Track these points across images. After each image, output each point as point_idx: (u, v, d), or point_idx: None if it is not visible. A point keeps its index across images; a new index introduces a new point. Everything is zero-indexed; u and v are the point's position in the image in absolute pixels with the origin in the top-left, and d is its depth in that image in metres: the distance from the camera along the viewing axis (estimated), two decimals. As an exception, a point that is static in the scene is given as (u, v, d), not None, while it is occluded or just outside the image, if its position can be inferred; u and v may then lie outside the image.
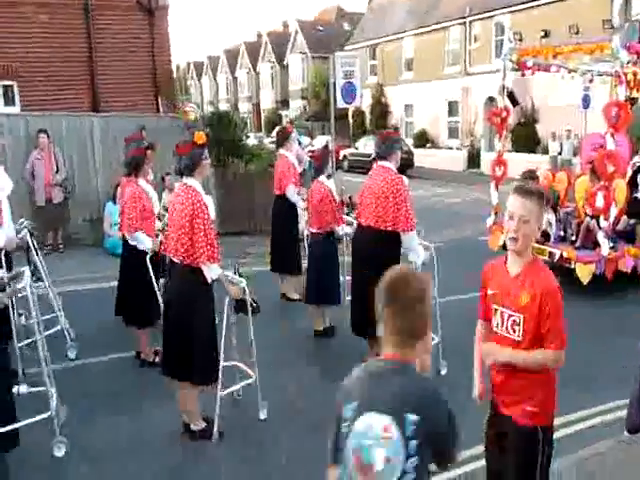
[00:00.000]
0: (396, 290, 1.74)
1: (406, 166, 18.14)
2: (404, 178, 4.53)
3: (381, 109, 27.64)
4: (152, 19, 13.18)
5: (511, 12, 20.59)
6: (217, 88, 54.58)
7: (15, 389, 3.55)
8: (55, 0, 12.32)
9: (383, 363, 1.78)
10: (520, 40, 17.05)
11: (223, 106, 43.58)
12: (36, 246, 4.85)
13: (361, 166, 20.56)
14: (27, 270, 3.65)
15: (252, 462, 3.68)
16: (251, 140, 13.84)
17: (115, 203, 8.11)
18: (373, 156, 4.84)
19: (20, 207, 7.87)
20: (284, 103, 42.18)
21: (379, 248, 4.40)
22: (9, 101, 12.23)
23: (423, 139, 25.27)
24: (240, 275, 3.94)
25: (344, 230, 5.55)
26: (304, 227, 6.66)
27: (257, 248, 7.50)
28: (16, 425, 3.39)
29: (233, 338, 4.10)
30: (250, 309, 3.95)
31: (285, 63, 41.68)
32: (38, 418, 3.50)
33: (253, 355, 3.99)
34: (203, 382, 3.81)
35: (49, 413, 3.51)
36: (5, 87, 12.26)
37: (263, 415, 4.07)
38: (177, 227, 3.66)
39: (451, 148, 23.84)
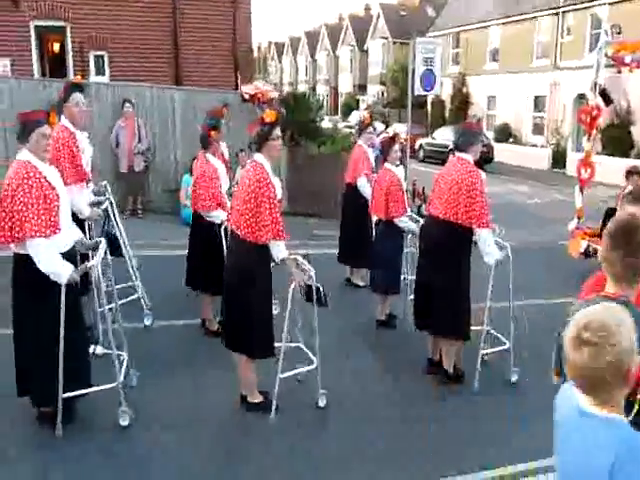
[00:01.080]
0: (629, 234, 2.00)
1: (485, 160, 17.53)
2: (481, 172, 4.35)
3: (462, 99, 26.81)
4: (235, -2, 13.35)
5: (610, 3, 19.30)
6: (297, 69, 54.85)
7: (92, 348, 3.73)
8: (147, -24, 12.71)
9: (608, 299, 1.92)
10: (619, 34, 15.95)
11: (302, 87, 43.77)
12: (117, 216, 5.01)
13: (437, 157, 20.07)
14: (103, 243, 3.74)
15: (304, 445, 3.70)
16: (326, 123, 13.82)
17: (191, 175, 8.36)
18: (451, 147, 4.68)
19: (104, 173, 8.25)
20: (362, 88, 41.82)
21: (448, 240, 4.27)
22: (100, 70, 12.82)
23: (505, 133, 24.30)
24: (309, 262, 3.89)
25: (406, 224, 5.36)
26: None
27: (325, 231, 7.51)
28: (89, 390, 3.59)
29: (299, 319, 4.10)
30: (318, 298, 3.89)
31: (365, 47, 41.21)
32: (108, 387, 3.62)
33: (316, 342, 3.97)
34: (257, 356, 3.86)
35: (116, 383, 3.61)
36: (97, 57, 12.84)
37: (322, 403, 4.06)
38: (242, 202, 3.69)
39: (535, 145, 22.74)
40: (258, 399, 3.95)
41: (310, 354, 4.10)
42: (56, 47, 13.52)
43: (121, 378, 3.68)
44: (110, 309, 3.84)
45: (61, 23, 12.64)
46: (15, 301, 3.43)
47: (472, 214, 4.17)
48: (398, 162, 5.64)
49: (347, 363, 4.79)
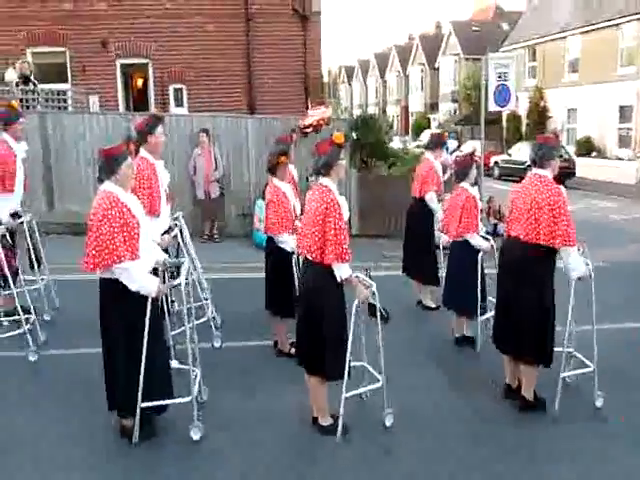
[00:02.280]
0: None
1: (566, 176, 16.78)
2: (562, 188, 4.15)
3: (539, 113, 25.91)
4: (306, 25, 13.73)
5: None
6: (366, 91, 55.31)
7: (173, 362, 3.90)
8: (221, 11, 13.37)
9: None
10: None
11: (372, 109, 44.00)
12: (189, 241, 5.20)
13: (513, 174, 19.44)
14: (186, 264, 3.91)
15: (372, 464, 3.65)
16: (396, 143, 13.79)
17: (264, 200, 8.58)
18: (527, 163, 4.51)
19: (182, 199, 8.65)
20: (433, 106, 41.46)
21: (531, 262, 4.10)
22: (179, 102, 13.53)
23: (587, 147, 23.17)
24: (371, 278, 3.90)
25: (477, 241, 5.23)
26: (441, 235, 6.44)
27: (396, 251, 7.45)
28: (166, 402, 3.75)
29: (362, 338, 4.07)
30: (379, 315, 3.90)
31: (436, 65, 40.92)
32: (183, 400, 3.77)
33: (381, 360, 3.93)
34: (330, 378, 3.86)
35: (191, 398, 3.75)
36: (176, 90, 13.58)
37: (388, 422, 4.00)
38: (310, 225, 3.74)
39: (621, 159, 21.51)
40: (329, 422, 3.95)
41: (375, 373, 4.05)
42: (139, 82, 14.43)
43: (195, 392, 3.80)
44: (190, 328, 3.98)
45: (144, 60, 13.51)
46: (103, 321, 3.65)
47: (556, 234, 3.97)
48: (473, 181, 5.52)
49: (415, 382, 4.70)
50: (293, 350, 4.71)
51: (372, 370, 4.12)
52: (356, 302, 3.79)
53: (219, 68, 13.32)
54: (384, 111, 44.95)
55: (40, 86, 10.72)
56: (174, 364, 4.00)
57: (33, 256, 5.52)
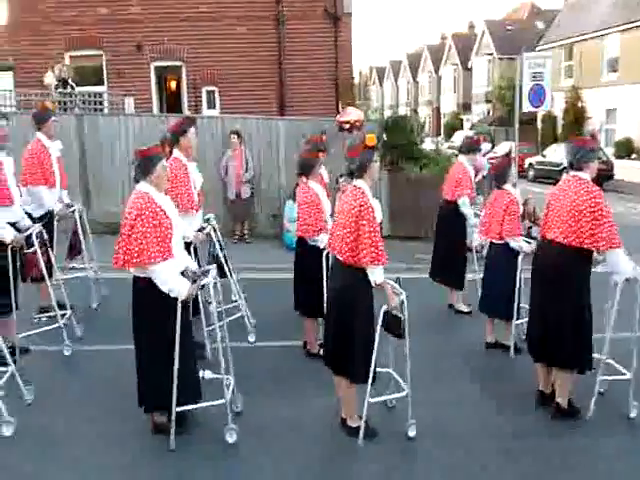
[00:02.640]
0: None
1: (604, 178, 16.35)
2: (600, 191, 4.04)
3: (576, 114, 25.28)
4: (337, 26, 13.74)
5: None
6: (398, 92, 54.99)
7: (200, 373, 3.92)
8: (252, 13, 13.48)
9: None
10: None
11: (403, 110, 43.71)
12: (221, 241, 5.24)
13: (548, 176, 19.05)
14: (214, 268, 3.96)
15: (395, 472, 3.61)
16: (427, 144, 13.64)
17: (294, 201, 8.60)
18: (564, 166, 4.40)
19: (214, 200, 8.73)
20: (466, 107, 40.93)
21: (568, 266, 3.99)
22: (211, 104, 13.70)
23: (627, 148, 22.49)
24: (401, 286, 3.83)
25: (519, 244, 5.12)
26: (473, 239, 6.34)
27: (428, 254, 7.38)
28: (200, 405, 3.80)
29: (390, 345, 4.02)
30: (400, 329, 3.78)
31: (469, 65, 40.40)
32: (217, 403, 3.81)
33: (407, 369, 3.86)
34: (358, 380, 3.83)
35: (224, 401, 3.79)
36: (208, 92, 13.75)
37: (411, 433, 3.92)
38: (343, 226, 3.73)
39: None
40: (357, 423, 3.91)
41: (400, 381, 4.00)
42: (173, 85, 14.66)
43: (229, 397, 3.83)
44: (220, 327, 4.01)
45: (177, 63, 13.73)
46: (135, 319, 3.71)
47: (599, 237, 3.87)
48: (514, 182, 5.42)
49: (444, 390, 4.61)
50: (322, 351, 4.72)
51: (397, 378, 4.06)
52: (384, 307, 3.75)
53: (250, 70, 13.43)
54: (415, 112, 44.57)
55: (77, 89, 11.00)
56: (207, 374, 3.99)
57: (82, 243, 5.76)
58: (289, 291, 5.22)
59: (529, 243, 5.15)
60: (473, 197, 6.29)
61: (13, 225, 4.68)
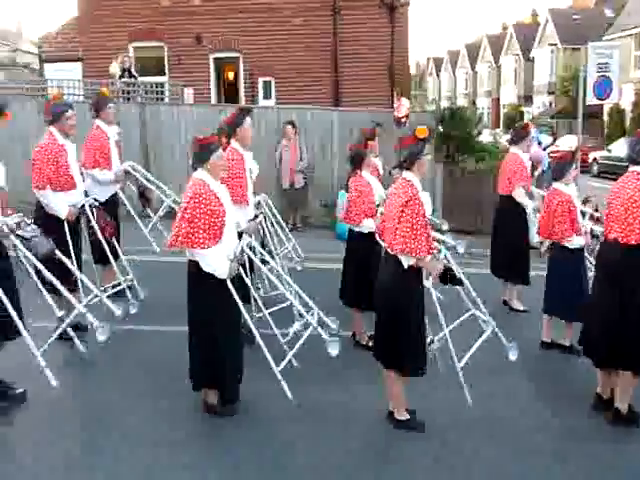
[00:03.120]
0: None
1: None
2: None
3: (646, 107, 24.06)
4: (393, 16, 13.57)
5: None
6: (455, 83, 53.82)
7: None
8: (308, 4, 13.50)
9: None
10: None
11: (460, 101, 42.77)
12: (270, 229, 5.30)
13: (614, 171, 18.19)
14: (244, 239, 4.10)
15: (446, 470, 3.58)
16: (485, 137, 13.32)
17: (347, 191, 8.61)
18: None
19: (268, 189, 8.83)
20: (527, 99, 39.62)
21: (628, 266, 3.83)
22: (267, 95, 13.85)
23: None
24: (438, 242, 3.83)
25: (576, 242, 4.92)
26: (532, 235, 6.15)
27: (481, 249, 7.21)
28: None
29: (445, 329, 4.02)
30: (454, 279, 3.83)
31: (531, 56, 39.03)
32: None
33: (438, 311, 3.90)
34: (407, 373, 3.82)
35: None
36: (264, 83, 13.91)
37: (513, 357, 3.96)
38: (390, 218, 3.72)
39: None
40: (405, 417, 3.92)
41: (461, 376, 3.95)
42: (230, 75, 14.91)
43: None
44: (270, 314, 4.10)
45: (235, 54, 13.95)
46: (189, 300, 3.86)
47: None
48: (570, 181, 5.14)
49: (496, 386, 4.53)
50: (371, 343, 4.73)
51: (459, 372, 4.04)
52: (430, 280, 3.69)
53: (306, 61, 13.48)
54: (473, 103, 43.52)
55: (140, 79, 11.37)
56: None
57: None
58: (339, 280, 5.24)
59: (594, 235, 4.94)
60: (529, 188, 6.08)
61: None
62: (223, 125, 4.98)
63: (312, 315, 4.68)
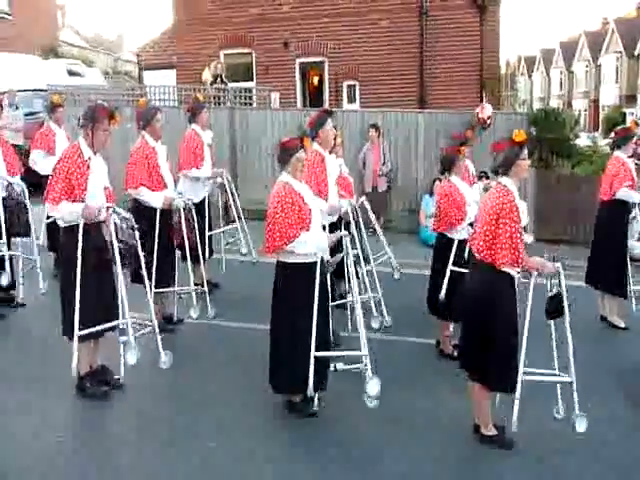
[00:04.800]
0: None
1: None
2: None
3: None
4: (483, 15, 13.13)
5: None
6: (549, 83, 51.33)
7: (332, 366, 4.00)
8: (395, 6, 13.34)
9: None
10: None
11: (554, 103, 40.73)
12: (362, 230, 5.31)
13: None
14: (347, 239, 4.10)
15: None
16: (582, 140, 12.54)
17: (431, 196, 8.39)
18: None
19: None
20: (630, 99, 37.01)
21: None
22: (351, 98, 13.85)
23: None
24: (554, 260, 3.56)
25: None
26: (634, 246, 5.68)
27: (577, 260, 6.74)
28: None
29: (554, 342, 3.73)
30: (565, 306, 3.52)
31: (635, 53, 36.43)
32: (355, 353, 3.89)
33: (570, 350, 3.55)
34: (495, 388, 3.65)
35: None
36: (349, 86, 13.92)
37: (581, 428, 3.59)
38: (483, 223, 3.57)
39: None
40: (492, 432, 3.72)
41: (557, 373, 3.70)
42: (315, 80, 15.05)
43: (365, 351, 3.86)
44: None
45: (320, 58, 14.06)
46: (274, 300, 3.91)
47: None
48: None
49: (594, 408, 4.13)
50: (456, 352, 4.55)
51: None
52: (533, 278, 3.47)
53: (391, 63, 13.34)
54: (569, 105, 41.30)
55: (230, 85, 11.74)
56: (339, 366, 4.03)
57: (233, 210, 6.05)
58: (422, 286, 5.11)
59: None
60: (635, 188, 5.63)
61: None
62: (305, 128, 5.01)
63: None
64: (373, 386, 3.71)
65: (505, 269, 3.49)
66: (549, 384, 3.77)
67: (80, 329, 3.83)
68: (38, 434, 3.74)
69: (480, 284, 3.62)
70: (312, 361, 3.69)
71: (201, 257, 5.49)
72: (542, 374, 3.68)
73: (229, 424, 3.93)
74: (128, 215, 4.09)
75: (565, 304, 3.52)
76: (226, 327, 5.38)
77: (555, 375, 3.70)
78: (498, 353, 3.53)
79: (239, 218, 5.97)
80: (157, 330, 4.17)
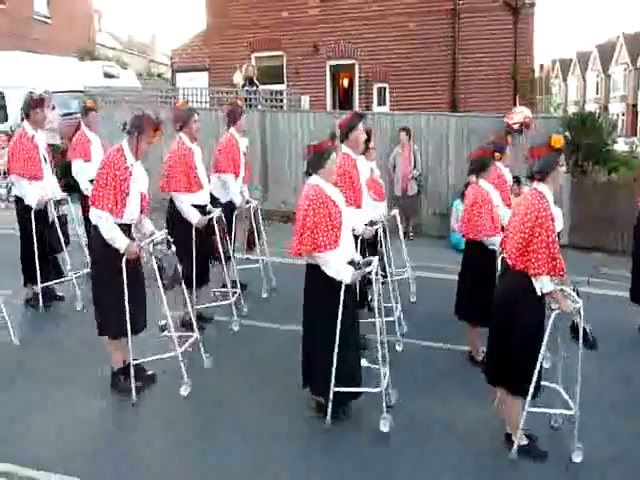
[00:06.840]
0: None
1: None
2: None
3: None
4: (517, 18, 12.93)
5: None
6: (585, 87, 50.22)
7: (362, 361, 4.01)
8: (425, 8, 13.22)
9: None
10: None
11: (590, 107, 39.82)
12: (388, 238, 5.25)
13: None
14: (375, 260, 3.99)
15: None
16: (620, 146, 12.18)
17: (462, 201, 8.24)
18: None
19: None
20: (668, 103, 35.95)
21: None
22: (381, 101, 13.78)
23: None
24: (578, 295, 3.51)
25: None
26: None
27: (613, 269, 6.53)
28: (357, 390, 3.90)
29: (562, 357, 3.72)
30: (584, 338, 3.52)
31: (676, 56, 35.37)
32: (373, 390, 3.89)
33: (577, 389, 3.55)
34: (519, 393, 3.60)
35: (380, 389, 3.87)
36: (379, 89, 13.85)
37: (577, 459, 3.58)
38: (516, 230, 3.49)
39: None
40: (524, 441, 3.65)
41: (567, 399, 3.66)
42: (345, 82, 15.03)
43: (384, 384, 3.88)
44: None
45: (351, 61, 14.04)
46: (305, 303, 3.91)
47: None
48: None
49: (622, 421, 4.08)
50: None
51: (565, 395, 3.74)
52: (555, 314, 3.45)
53: (422, 66, 13.23)
54: (606, 109, 40.34)
55: (261, 87, 11.80)
56: (363, 362, 4.05)
57: (256, 237, 6.14)
58: (452, 292, 5.02)
59: None
60: None
61: (202, 208, 5.18)
62: (335, 130, 4.97)
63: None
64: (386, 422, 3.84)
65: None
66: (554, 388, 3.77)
67: (117, 328, 4.02)
68: (62, 433, 3.83)
69: (508, 288, 3.58)
70: (335, 359, 3.70)
71: (223, 258, 5.53)
72: (545, 406, 3.70)
73: (245, 424, 3.93)
74: (164, 246, 4.18)
75: (580, 338, 3.52)
76: (248, 326, 5.41)
77: (560, 409, 3.73)
78: (519, 358, 3.51)
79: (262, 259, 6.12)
80: (199, 336, 4.42)
